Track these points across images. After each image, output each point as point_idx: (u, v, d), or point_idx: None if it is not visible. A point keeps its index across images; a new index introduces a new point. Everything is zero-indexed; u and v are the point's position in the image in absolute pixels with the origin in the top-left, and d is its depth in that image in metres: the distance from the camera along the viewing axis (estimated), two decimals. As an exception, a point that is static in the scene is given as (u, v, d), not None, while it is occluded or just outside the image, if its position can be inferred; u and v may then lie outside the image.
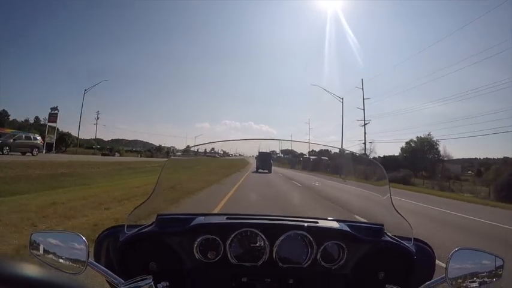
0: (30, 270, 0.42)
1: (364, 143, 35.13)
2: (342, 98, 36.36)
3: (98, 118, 45.62)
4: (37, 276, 0.42)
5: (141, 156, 46.38)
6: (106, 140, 63.36)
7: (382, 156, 39.02)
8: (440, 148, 36.89)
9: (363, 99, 34.61)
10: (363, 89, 34.65)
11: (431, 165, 36.82)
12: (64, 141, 39.70)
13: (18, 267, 0.42)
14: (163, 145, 69.21)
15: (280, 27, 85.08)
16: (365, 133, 35.01)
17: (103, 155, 35.41)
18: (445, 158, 37.02)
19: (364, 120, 34.69)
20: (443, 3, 51.77)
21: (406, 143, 38.24)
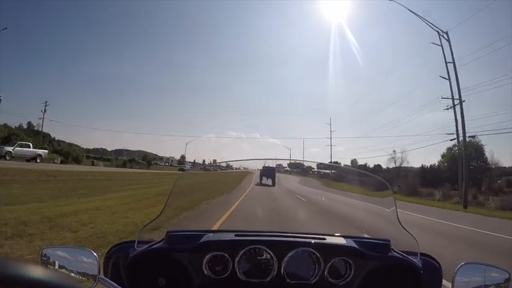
0: (30, 270, 0.42)
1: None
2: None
3: (44, 111, 41.34)
4: (37, 277, 0.42)
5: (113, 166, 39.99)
6: (109, 149, 63.96)
7: (417, 166, 36.02)
8: (487, 154, 29.25)
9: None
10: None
11: (477, 174, 28.21)
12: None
13: (19, 267, 0.42)
14: (164, 155, 69.33)
15: (288, 40, 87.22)
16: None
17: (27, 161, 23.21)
18: (493, 166, 29.82)
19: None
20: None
21: (448, 148, 30.78)
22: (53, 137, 46.81)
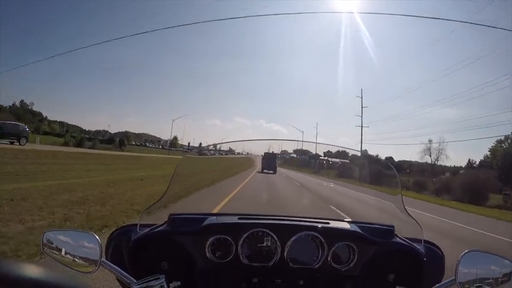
0: (31, 270, 0.42)
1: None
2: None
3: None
4: (38, 277, 0.42)
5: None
6: (112, 132, 64.05)
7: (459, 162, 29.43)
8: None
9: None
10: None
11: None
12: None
13: (19, 267, 0.42)
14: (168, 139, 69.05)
15: (294, 27, 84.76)
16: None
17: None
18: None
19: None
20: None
21: (498, 141, 26.06)
22: (44, 116, 46.66)
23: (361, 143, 29.21)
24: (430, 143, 31.35)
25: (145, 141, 69.94)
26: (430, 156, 32.11)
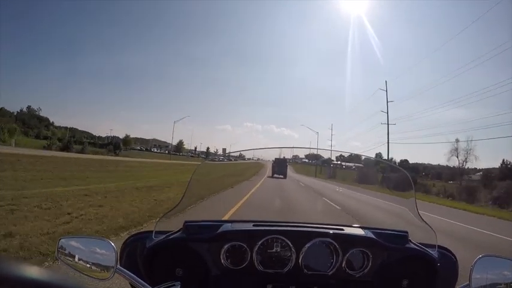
0: (32, 271, 0.42)
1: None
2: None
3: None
4: (38, 277, 0.42)
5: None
6: (121, 137, 64.54)
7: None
8: None
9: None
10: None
11: None
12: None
13: (19, 267, 0.42)
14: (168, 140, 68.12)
15: (304, 32, 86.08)
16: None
17: None
18: None
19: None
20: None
21: None
22: (51, 121, 46.98)
23: (388, 147, 26.52)
24: (456, 143, 27.80)
25: (152, 146, 69.81)
26: (457, 157, 28.73)
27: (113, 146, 43.74)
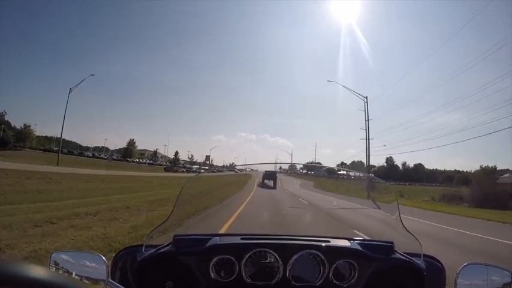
0: (32, 270, 0.42)
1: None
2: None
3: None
4: (38, 277, 0.42)
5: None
6: (112, 148, 62.64)
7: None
8: None
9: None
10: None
11: None
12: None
13: (19, 267, 0.42)
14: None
15: (297, 40, 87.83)
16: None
17: None
18: None
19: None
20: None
21: None
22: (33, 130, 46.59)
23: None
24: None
25: (140, 156, 65.35)
26: None
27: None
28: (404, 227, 1.24)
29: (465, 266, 1.02)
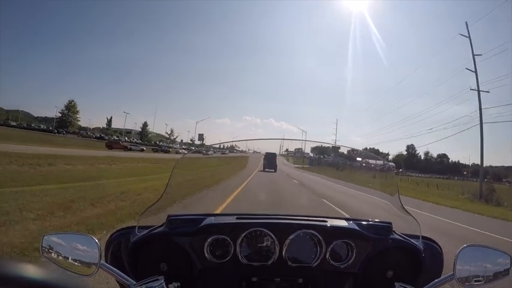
0: (31, 270, 0.43)
1: None
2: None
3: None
4: (38, 277, 0.42)
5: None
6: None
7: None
8: None
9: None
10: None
11: None
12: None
13: (19, 267, 0.42)
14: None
15: (304, 24, 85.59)
16: None
17: None
18: None
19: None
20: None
21: None
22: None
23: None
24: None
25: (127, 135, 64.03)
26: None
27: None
28: (403, 207, 1.22)
29: (464, 247, 1.01)
